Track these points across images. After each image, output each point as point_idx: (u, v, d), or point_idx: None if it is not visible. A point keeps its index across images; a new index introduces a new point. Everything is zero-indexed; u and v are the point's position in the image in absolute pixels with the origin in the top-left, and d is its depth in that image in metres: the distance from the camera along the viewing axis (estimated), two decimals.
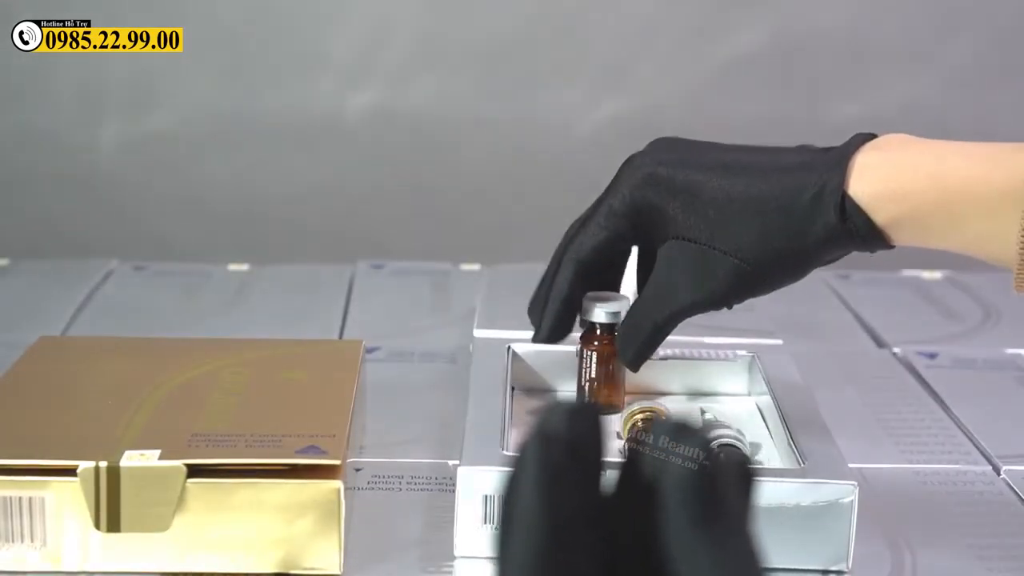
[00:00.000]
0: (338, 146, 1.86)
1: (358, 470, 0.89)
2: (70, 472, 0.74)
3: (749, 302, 0.79)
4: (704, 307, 0.80)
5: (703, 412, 0.91)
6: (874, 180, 0.74)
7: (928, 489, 0.89)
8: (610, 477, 0.48)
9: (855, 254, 0.78)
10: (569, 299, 0.85)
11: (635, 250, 0.86)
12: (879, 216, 0.74)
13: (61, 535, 0.75)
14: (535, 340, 0.87)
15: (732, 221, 0.77)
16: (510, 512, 0.46)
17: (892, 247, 0.76)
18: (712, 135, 0.84)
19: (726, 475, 0.46)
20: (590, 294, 0.92)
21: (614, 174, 0.82)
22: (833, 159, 0.76)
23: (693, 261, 0.78)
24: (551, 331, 0.86)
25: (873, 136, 0.77)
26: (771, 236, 0.76)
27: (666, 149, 0.81)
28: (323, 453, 0.76)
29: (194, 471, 0.75)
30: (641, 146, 0.82)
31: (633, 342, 0.83)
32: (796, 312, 1.19)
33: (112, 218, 1.85)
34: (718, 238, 0.78)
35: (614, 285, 0.88)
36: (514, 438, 0.85)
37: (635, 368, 0.85)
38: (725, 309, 0.81)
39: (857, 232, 0.75)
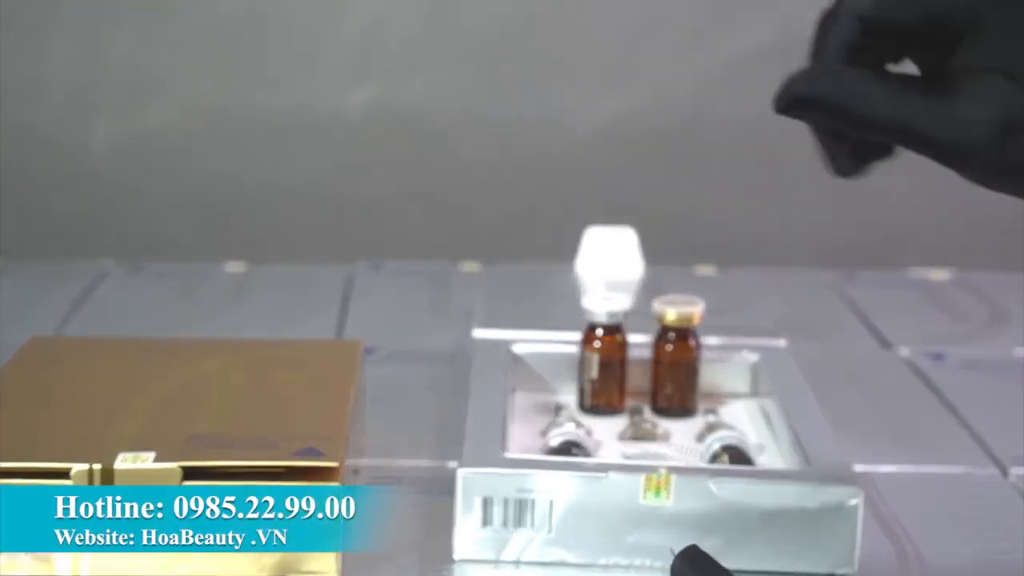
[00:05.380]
0: (337, 145, 1.85)
1: (356, 472, 0.88)
2: (63, 474, 0.73)
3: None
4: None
5: (707, 413, 0.90)
6: None
7: (935, 492, 0.89)
8: None
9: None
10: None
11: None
12: None
13: None
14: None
15: None
16: None
17: None
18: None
19: None
20: (591, 295, 0.91)
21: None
22: None
23: None
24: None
25: None
26: None
27: None
28: (321, 455, 0.75)
29: (190, 473, 0.74)
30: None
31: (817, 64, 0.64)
32: (801, 313, 1.18)
33: (108, 217, 1.84)
34: None
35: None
36: (514, 439, 0.84)
37: (780, 104, 0.65)
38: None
39: None
